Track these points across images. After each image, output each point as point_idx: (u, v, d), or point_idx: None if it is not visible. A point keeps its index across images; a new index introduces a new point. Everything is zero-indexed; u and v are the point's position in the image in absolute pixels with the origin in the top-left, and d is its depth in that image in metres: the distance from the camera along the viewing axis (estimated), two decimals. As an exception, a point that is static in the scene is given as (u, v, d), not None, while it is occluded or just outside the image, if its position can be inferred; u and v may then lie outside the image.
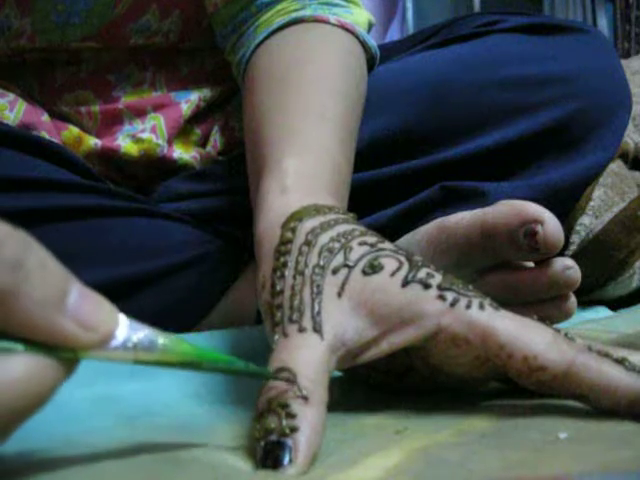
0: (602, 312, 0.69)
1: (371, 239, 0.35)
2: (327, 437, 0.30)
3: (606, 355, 0.31)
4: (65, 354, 0.23)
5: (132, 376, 0.41)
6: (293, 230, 0.36)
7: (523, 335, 0.31)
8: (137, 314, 0.62)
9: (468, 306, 0.32)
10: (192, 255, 0.58)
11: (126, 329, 0.25)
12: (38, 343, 0.23)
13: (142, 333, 0.25)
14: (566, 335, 0.32)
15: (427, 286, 0.33)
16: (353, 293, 0.33)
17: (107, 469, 0.27)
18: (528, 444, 0.29)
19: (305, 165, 0.42)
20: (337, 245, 0.34)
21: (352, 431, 0.32)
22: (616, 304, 0.72)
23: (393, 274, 0.33)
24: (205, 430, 0.33)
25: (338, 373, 0.39)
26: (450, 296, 0.32)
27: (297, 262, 0.34)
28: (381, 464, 0.28)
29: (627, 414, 0.30)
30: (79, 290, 0.24)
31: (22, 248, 0.23)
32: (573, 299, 0.47)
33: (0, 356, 0.22)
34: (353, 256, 0.34)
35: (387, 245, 0.35)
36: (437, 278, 0.33)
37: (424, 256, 0.48)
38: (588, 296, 0.72)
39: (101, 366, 0.41)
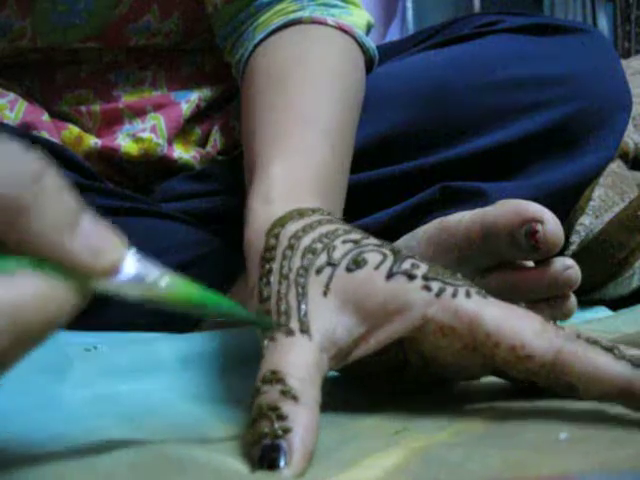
0: (602, 312, 0.68)
1: (355, 236, 0.35)
2: (327, 438, 0.30)
3: (595, 343, 0.30)
4: (74, 279, 0.23)
5: (132, 376, 0.41)
6: (276, 236, 0.36)
7: (510, 323, 0.31)
8: (137, 314, 0.62)
9: (454, 295, 0.32)
10: (192, 255, 0.58)
11: (136, 265, 0.25)
12: (48, 266, 0.23)
13: (151, 270, 0.25)
14: (555, 323, 0.31)
15: (412, 277, 0.32)
16: (339, 291, 0.33)
17: (107, 469, 0.27)
18: (528, 444, 0.28)
19: (290, 171, 0.42)
20: (320, 246, 0.34)
21: (352, 431, 0.32)
22: (616, 304, 0.72)
23: (377, 267, 0.33)
24: (205, 430, 0.33)
25: (336, 374, 0.39)
26: (436, 286, 0.32)
27: (281, 267, 0.34)
28: (381, 464, 0.28)
29: (617, 403, 0.29)
30: (91, 217, 0.24)
31: (42, 166, 0.23)
32: (573, 299, 0.47)
33: (12, 275, 0.22)
34: (336, 254, 0.34)
35: (371, 241, 0.35)
36: (423, 268, 0.33)
37: (424, 256, 0.48)
38: (588, 296, 0.71)
39: (101, 366, 0.41)
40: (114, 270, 0.24)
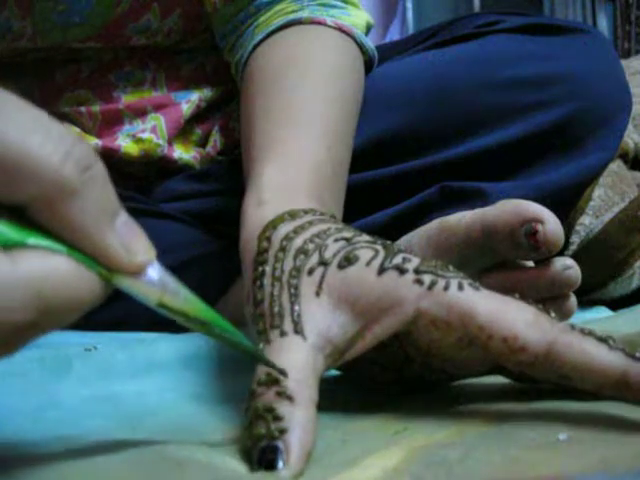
0: (602, 312, 0.69)
1: (347, 234, 0.35)
2: (327, 438, 0.30)
3: (589, 334, 0.30)
4: (102, 271, 0.24)
5: (132, 376, 0.41)
6: (268, 239, 0.36)
7: (503, 315, 0.30)
8: (137, 314, 0.62)
9: (446, 287, 0.31)
10: (192, 255, 0.58)
11: (159, 272, 0.26)
12: (79, 253, 0.23)
13: (172, 281, 0.26)
14: (549, 314, 0.31)
15: (403, 271, 0.32)
16: (332, 289, 0.33)
17: (107, 469, 0.27)
18: (528, 444, 0.28)
19: (283, 173, 0.42)
20: (312, 246, 0.34)
21: (352, 432, 0.32)
22: (616, 304, 0.72)
23: (368, 263, 0.33)
24: (205, 431, 0.33)
25: (336, 373, 0.39)
26: (427, 279, 0.32)
27: (274, 269, 0.34)
28: (380, 464, 0.28)
29: (612, 395, 0.29)
30: (127, 216, 0.25)
31: (93, 156, 0.23)
32: (573, 299, 0.47)
33: (49, 252, 0.23)
34: (328, 253, 0.34)
35: (364, 237, 0.35)
36: (414, 262, 0.33)
37: (424, 256, 0.48)
38: (588, 296, 0.72)
39: (101, 366, 0.41)
40: (141, 271, 0.25)
